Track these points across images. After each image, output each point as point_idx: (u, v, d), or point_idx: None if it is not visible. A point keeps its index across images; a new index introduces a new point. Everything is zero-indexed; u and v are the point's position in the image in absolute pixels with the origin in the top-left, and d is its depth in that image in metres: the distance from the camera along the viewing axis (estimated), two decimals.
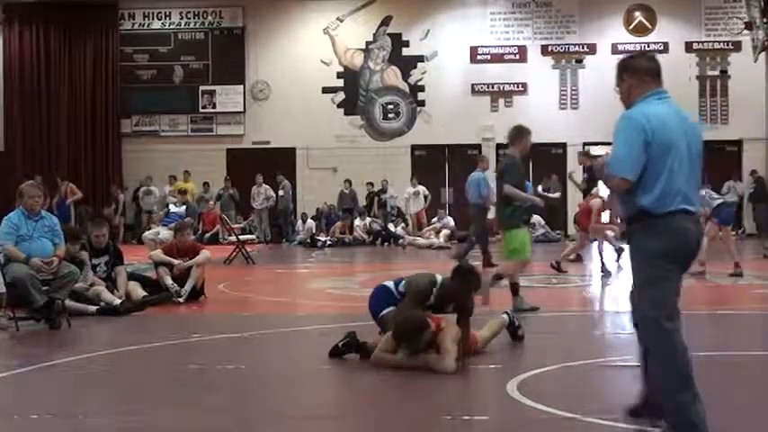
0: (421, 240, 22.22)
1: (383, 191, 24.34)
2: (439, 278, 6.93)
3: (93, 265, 9.79)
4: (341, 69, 25.55)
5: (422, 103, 25.40)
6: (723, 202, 13.27)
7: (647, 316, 4.22)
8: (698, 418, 4.10)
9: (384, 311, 7.02)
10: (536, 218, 20.72)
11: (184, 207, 19.49)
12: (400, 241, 22.41)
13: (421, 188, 24.05)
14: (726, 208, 13.23)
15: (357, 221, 23.37)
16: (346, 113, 25.52)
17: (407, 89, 25.47)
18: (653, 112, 4.29)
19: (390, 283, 7.19)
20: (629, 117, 4.30)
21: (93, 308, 9.28)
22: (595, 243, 14.37)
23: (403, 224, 23.75)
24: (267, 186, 24.07)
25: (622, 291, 11.92)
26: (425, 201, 23.88)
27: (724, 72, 24.90)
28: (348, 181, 24.51)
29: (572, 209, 21.65)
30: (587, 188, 16.20)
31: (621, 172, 4.21)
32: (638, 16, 25.11)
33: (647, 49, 24.80)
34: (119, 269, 10.00)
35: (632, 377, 6.36)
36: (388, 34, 25.50)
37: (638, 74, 4.38)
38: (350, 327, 7.23)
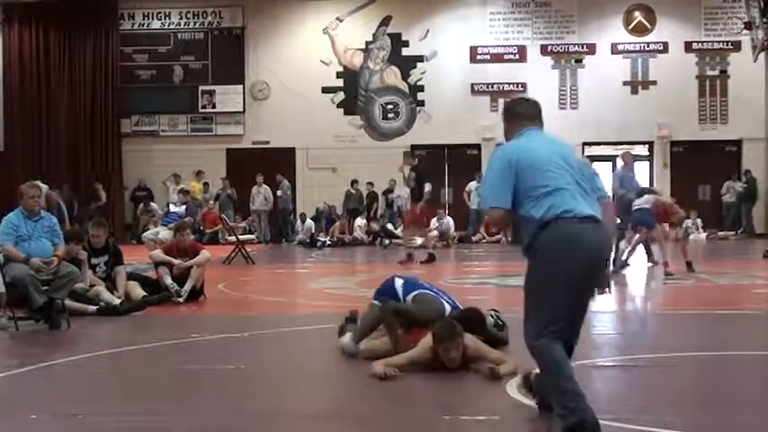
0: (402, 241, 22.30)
1: (390, 190, 24.33)
2: (447, 309, 6.86)
3: (92, 265, 9.79)
4: (340, 69, 25.56)
5: (421, 103, 25.40)
6: (639, 208, 13.39)
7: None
8: (584, 412, 4.28)
9: (394, 283, 7.13)
10: None
11: (184, 207, 19.50)
12: (386, 242, 22.43)
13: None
14: (639, 212, 13.21)
15: (358, 221, 23.39)
16: (346, 113, 25.52)
17: (407, 89, 25.48)
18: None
19: (399, 282, 7.17)
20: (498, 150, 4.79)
21: (92, 308, 9.28)
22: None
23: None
24: (267, 187, 24.08)
25: (621, 291, 11.94)
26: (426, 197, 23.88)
27: (723, 72, 24.91)
28: (355, 181, 24.52)
29: None
30: (417, 190, 16.43)
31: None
32: (638, 16, 25.10)
33: (646, 48, 24.94)
34: (118, 269, 10.00)
35: (631, 377, 6.38)
36: (387, 34, 25.50)
37: (513, 117, 4.81)
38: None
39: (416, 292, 7.02)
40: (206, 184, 24.53)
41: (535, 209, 4.42)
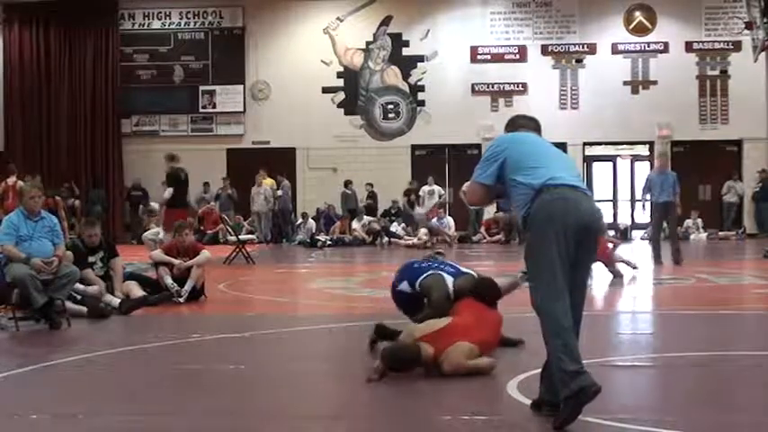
0: (402, 240, 22.28)
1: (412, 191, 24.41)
2: (450, 285, 7.02)
3: (89, 263, 9.75)
4: (341, 69, 25.57)
5: (422, 103, 25.41)
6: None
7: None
8: (586, 384, 4.51)
9: (399, 286, 7.28)
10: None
11: None
12: (383, 240, 22.44)
13: (436, 188, 24.07)
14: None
15: (356, 222, 23.39)
16: (346, 113, 25.53)
17: (407, 89, 25.49)
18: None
19: (407, 287, 7.27)
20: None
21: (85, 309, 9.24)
22: None
23: (403, 224, 23.77)
24: (267, 187, 24.06)
25: (622, 291, 11.94)
26: (439, 199, 23.92)
27: (724, 72, 24.91)
28: (349, 182, 24.51)
29: None
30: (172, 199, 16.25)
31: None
32: (639, 16, 25.11)
33: (647, 48, 24.94)
34: (115, 262, 9.96)
35: (632, 377, 6.38)
36: (388, 34, 25.51)
37: (512, 126, 5.28)
38: (349, 327, 7.25)
39: (419, 280, 7.12)
40: (206, 183, 24.54)
41: (530, 177, 4.73)
